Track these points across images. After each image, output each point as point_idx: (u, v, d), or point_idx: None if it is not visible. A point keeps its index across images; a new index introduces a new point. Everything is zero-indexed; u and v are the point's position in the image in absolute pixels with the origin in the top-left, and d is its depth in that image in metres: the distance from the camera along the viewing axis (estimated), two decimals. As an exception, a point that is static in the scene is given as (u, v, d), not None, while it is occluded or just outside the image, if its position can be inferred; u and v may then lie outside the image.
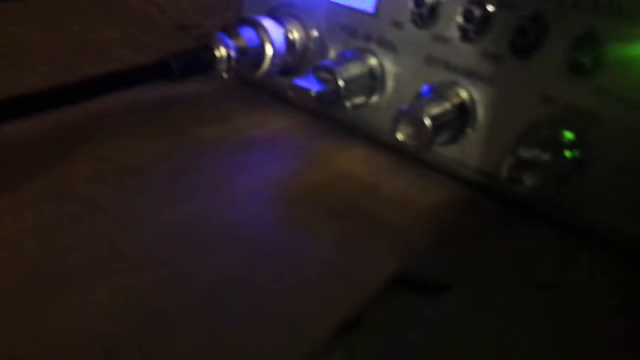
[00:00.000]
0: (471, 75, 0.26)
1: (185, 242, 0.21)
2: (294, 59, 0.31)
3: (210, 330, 0.18)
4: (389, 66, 0.28)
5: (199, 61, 0.27)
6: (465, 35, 0.25)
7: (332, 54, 0.30)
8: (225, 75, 0.28)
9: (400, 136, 0.25)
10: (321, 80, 0.27)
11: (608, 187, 0.23)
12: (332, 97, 0.27)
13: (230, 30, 0.28)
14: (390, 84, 0.29)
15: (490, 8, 0.24)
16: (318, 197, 0.25)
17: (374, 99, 0.29)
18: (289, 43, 0.30)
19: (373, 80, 0.29)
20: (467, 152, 0.27)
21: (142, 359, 0.17)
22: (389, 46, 0.28)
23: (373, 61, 0.29)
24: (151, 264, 0.20)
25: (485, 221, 0.25)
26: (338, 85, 0.27)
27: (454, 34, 0.26)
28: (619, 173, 0.22)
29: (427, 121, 0.25)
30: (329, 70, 0.27)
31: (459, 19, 0.25)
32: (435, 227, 0.24)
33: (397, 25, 0.27)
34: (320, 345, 0.18)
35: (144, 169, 0.25)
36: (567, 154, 0.23)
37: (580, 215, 0.24)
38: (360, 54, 0.29)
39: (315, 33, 0.30)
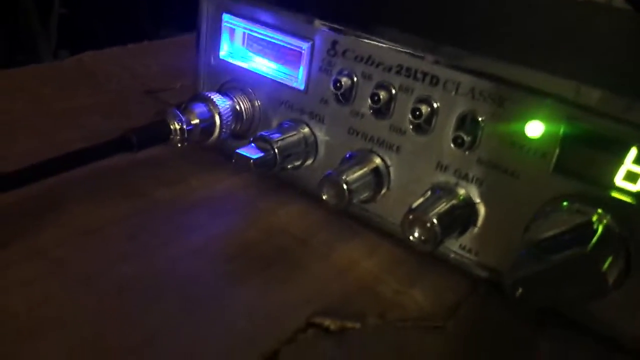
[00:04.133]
0: (383, 145, 0.30)
1: (134, 294, 0.26)
2: (243, 126, 0.36)
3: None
4: (320, 135, 0.33)
5: (157, 134, 0.32)
6: (376, 112, 0.30)
7: (274, 123, 0.35)
8: (179, 145, 0.33)
9: (324, 197, 0.30)
10: (260, 149, 0.32)
11: (494, 238, 0.28)
12: (270, 163, 0.32)
13: (184, 107, 0.33)
14: (322, 150, 0.33)
15: (393, 91, 0.29)
16: (253, 251, 0.30)
17: (309, 162, 0.34)
18: (237, 113, 0.35)
19: (307, 147, 0.33)
20: (385, 208, 0.31)
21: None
22: (319, 119, 0.33)
23: (306, 131, 0.33)
24: (105, 316, 0.24)
25: (388, 266, 0.30)
26: (274, 152, 0.32)
27: (368, 110, 0.30)
28: (499, 223, 0.27)
29: (345, 185, 0.29)
30: (266, 140, 0.32)
31: (369, 100, 0.30)
32: (350, 276, 0.29)
33: (324, 101, 0.32)
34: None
35: (104, 231, 0.29)
36: (457, 212, 0.27)
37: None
38: (295, 125, 0.33)
39: (259, 105, 0.35)
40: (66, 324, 0.24)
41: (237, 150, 0.31)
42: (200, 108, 0.34)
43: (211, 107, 0.34)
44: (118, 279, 0.27)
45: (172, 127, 0.32)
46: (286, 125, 0.33)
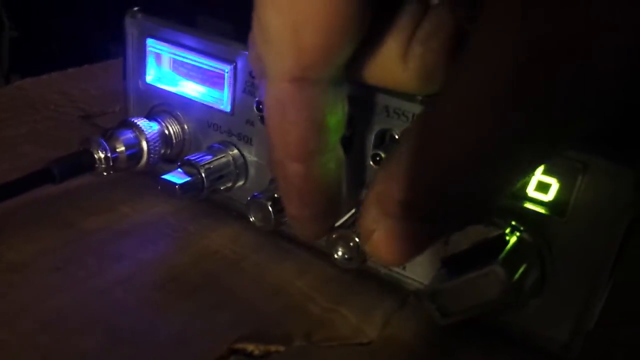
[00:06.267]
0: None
1: (58, 329, 0.25)
2: (174, 150, 0.35)
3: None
4: (249, 156, 0.33)
5: (80, 164, 0.32)
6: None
7: (204, 145, 0.35)
8: (105, 174, 0.32)
9: (252, 219, 0.30)
10: (187, 173, 0.32)
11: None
12: (198, 186, 0.32)
13: (109, 134, 0.33)
14: (252, 171, 0.33)
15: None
16: (182, 277, 0.29)
17: (240, 183, 0.34)
18: (165, 138, 0.35)
19: (236, 168, 0.33)
20: (315, 227, 0.31)
21: None
22: (246, 140, 0.33)
23: (235, 152, 0.33)
24: (30, 350, 0.24)
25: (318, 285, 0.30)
26: (201, 176, 0.32)
27: (291, 131, 0.30)
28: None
29: (270, 207, 0.29)
30: (192, 164, 0.32)
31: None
32: (281, 297, 0.29)
33: (250, 123, 0.32)
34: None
35: (30, 264, 0.29)
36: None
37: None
38: (224, 147, 0.33)
39: (188, 128, 0.35)
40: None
41: (162, 177, 0.31)
42: (126, 135, 0.33)
43: (137, 134, 0.34)
44: (40, 314, 0.26)
45: (96, 156, 0.32)
46: (215, 147, 0.33)
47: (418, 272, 0.29)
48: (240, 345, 0.25)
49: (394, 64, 0.23)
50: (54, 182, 0.31)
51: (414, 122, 0.21)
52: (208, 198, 0.34)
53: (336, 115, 0.24)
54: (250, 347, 0.25)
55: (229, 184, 0.33)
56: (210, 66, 0.33)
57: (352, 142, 0.29)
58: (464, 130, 0.19)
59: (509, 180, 0.20)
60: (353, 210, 0.29)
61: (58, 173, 0.30)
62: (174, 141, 0.35)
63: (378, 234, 0.22)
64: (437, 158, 0.20)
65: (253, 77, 0.31)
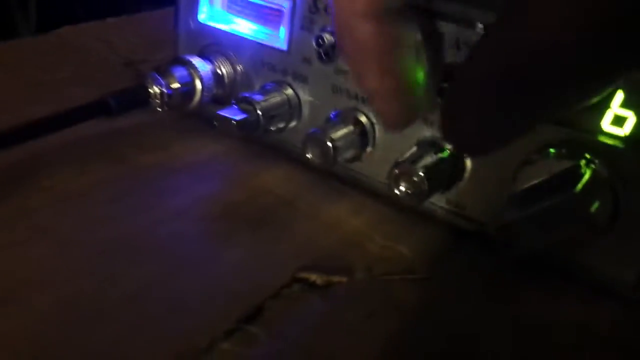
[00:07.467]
0: (367, 102, 0.30)
1: (116, 255, 0.25)
2: (225, 91, 0.35)
3: (131, 326, 0.22)
4: (303, 96, 0.33)
5: (136, 99, 0.31)
6: (359, 68, 0.30)
7: (257, 86, 0.34)
8: (159, 109, 0.32)
9: (309, 156, 0.30)
10: (243, 110, 0.31)
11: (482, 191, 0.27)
12: (253, 124, 0.31)
13: (163, 70, 0.33)
14: (305, 111, 0.33)
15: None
16: (238, 211, 0.29)
17: (293, 124, 0.33)
18: (218, 77, 0.34)
19: (290, 108, 0.33)
20: (370, 166, 0.31)
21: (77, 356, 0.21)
22: (302, 79, 0.32)
23: (289, 92, 0.33)
24: (85, 276, 0.24)
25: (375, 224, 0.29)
26: (257, 114, 0.31)
27: (351, 67, 0.30)
28: (486, 176, 0.27)
29: (329, 143, 0.29)
30: (248, 101, 0.31)
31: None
32: (337, 233, 0.28)
33: (307, 61, 0.32)
34: (220, 333, 0.22)
35: (85, 195, 0.29)
36: (444, 166, 0.27)
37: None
38: (278, 86, 0.33)
39: (241, 68, 0.34)
40: (45, 284, 0.23)
41: (219, 112, 0.31)
42: (180, 72, 0.33)
43: (192, 71, 0.33)
44: (99, 241, 0.26)
45: (151, 91, 0.32)
46: (269, 87, 0.33)
47: (478, 211, 0.28)
48: (303, 275, 0.25)
49: None
50: (110, 114, 0.30)
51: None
52: (258, 139, 0.34)
53: None
54: (313, 277, 0.25)
55: (283, 124, 0.33)
56: (268, 2, 0.32)
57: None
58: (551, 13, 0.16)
59: (588, 87, 0.18)
60: (415, 148, 0.28)
61: (115, 105, 0.30)
62: (226, 81, 0.35)
63: (467, 118, 0.20)
64: (542, 23, 0.17)
65: (312, 13, 0.31)
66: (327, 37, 0.30)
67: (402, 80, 0.23)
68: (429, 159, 0.27)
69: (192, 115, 0.36)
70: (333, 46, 0.30)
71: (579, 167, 0.23)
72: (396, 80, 0.23)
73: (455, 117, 0.20)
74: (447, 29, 0.27)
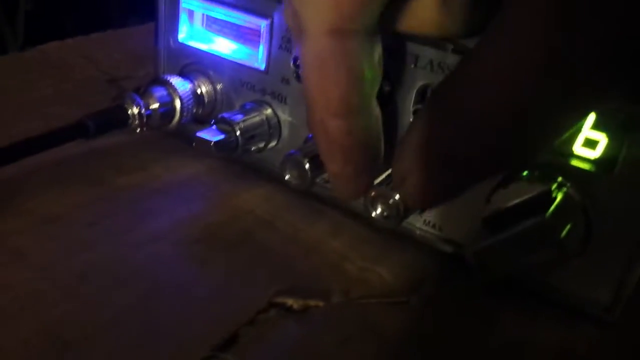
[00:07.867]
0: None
1: (94, 281, 0.25)
2: (205, 110, 0.35)
3: (110, 353, 0.22)
4: (283, 115, 0.33)
5: (114, 120, 0.31)
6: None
7: (237, 105, 0.34)
8: (138, 130, 0.32)
9: (287, 177, 0.30)
10: (221, 131, 0.31)
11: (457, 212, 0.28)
12: (232, 145, 0.31)
13: (143, 90, 0.33)
14: (285, 131, 0.33)
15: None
16: (217, 234, 0.29)
17: (272, 143, 0.33)
18: (198, 97, 0.34)
19: (270, 128, 0.33)
20: (350, 187, 0.31)
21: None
22: (281, 99, 0.32)
23: (269, 112, 0.33)
24: (65, 300, 0.24)
25: (353, 244, 0.29)
26: (236, 134, 0.31)
27: (328, 88, 0.30)
28: (462, 197, 0.27)
29: (307, 164, 0.29)
30: (227, 121, 0.31)
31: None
32: (316, 255, 0.28)
33: (285, 81, 0.32)
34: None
35: (64, 218, 0.29)
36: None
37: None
38: (258, 106, 0.33)
39: (220, 87, 0.35)
40: (23, 311, 0.23)
41: (197, 134, 0.31)
42: (159, 92, 0.33)
43: (171, 91, 0.33)
44: (78, 266, 0.26)
45: (129, 111, 0.32)
46: (248, 107, 0.33)
47: (454, 232, 0.29)
48: (279, 299, 0.25)
49: (434, 6, 0.22)
50: (87, 136, 0.30)
51: (453, 71, 0.21)
52: (239, 159, 0.34)
53: (374, 69, 0.23)
54: (289, 302, 0.25)
55: (262, 144, 0.33)
56: (245, 22, 0.32)
57: (392, 98, 0.28)
58: (501, 82, 0.19)
59: (545, 137, 0.20)
60: (390, 170, 0.28)
61: (93, 127, 0.30)
62: (206, 100, 0.35)
63: (412, 179, 0.22)
64: (476, 107, 0.19)
65: (290, 33, 0.31)
66: (305, 59, 0.30)
67: (361, 167, 0.25)
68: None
69: (172, 134, 0.36)
70: (310, 67, 0.30)
71: (551, 191, 0.24)
72: (355, 168, 0.25)
73: (401, 178, 0.23)
74: (420, 51, 0.27)
